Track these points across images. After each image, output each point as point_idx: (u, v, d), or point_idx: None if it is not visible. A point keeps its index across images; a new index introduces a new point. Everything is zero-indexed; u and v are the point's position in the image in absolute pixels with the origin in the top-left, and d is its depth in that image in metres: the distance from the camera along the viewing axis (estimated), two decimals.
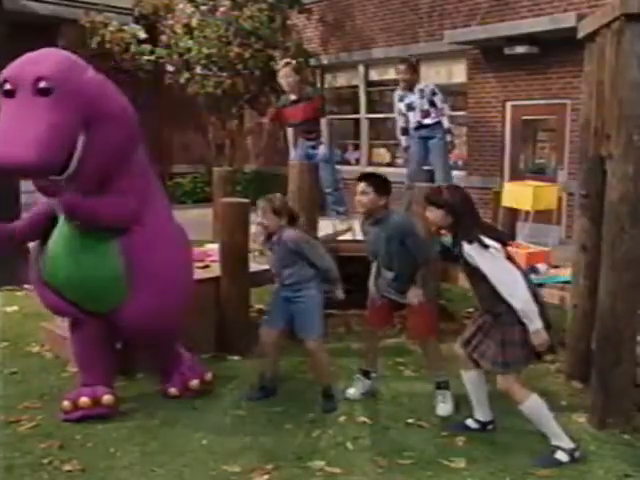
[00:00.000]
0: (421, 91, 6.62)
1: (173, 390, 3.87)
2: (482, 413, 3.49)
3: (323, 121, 6.27)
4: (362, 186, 3.64)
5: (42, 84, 2.96)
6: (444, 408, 3.72)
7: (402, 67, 6.67)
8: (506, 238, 3.27)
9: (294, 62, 6.48)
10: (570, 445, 3.17)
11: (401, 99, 6.74)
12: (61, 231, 3.49)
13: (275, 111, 6.37)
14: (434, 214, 3.24)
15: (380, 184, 3.65)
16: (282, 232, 3.73)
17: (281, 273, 3.78)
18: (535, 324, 3.07)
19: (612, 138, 3.46)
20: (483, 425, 3.49)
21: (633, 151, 3.34)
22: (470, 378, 3.44)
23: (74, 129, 3.06)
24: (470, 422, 3.52)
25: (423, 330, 3.79)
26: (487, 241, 3.10)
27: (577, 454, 3.17)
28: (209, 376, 3.98)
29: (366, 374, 3.98)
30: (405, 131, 6.83)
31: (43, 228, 3.57)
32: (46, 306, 3.70)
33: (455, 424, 3.56)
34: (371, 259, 3.89)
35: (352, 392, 3.95)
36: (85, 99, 3.09)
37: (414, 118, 6.63)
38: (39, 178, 3.23)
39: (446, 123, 6.64)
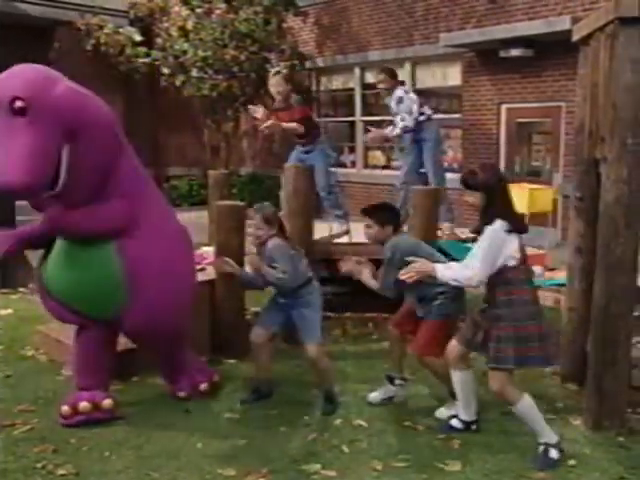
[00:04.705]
0: (398, 98, 6.52)
1: (182, 393, 3.89)
2: (468, 413, 3.50)
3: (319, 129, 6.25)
4: (366, 221, 3.69)
5: (18, 104, 2.92)
6: (444, 413, 3.68)
7: (381, 76, 6.62)
8: (523, 230, 3.22)
9: (284, 71, 6.44)
10: (555, 438, 3.20)
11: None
12: (60, 241, 3.49)
13: (270, 113, 6.30)
14: (474, 197, 3.21)
15: (382, 216, 3.67)
16: (269, 240, 3.75)
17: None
18: (442, 274, 3.14)
19: (606, 141, 3.47)
20: (467, 425, 3.50)
21: (627, 154, 3.35)
22: (461, 377, 3.44)
23: (56, 143, 3.05)
24: (455, 422, 3.52)
25: (420, 347, 3.63)
26: (502, 224, 3.11)
27: (562, 445, 3.21)
28: (217, 377, 4.06)
29: (391, 380, 3.90)
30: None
31: (49, 237, 3.53)
32: (51, 314, 3.70)
33: (440, 425, 3.57)
34: None
35: (373, 396, 3.90)
36: (62, 111, 3.05)
37: (400, 123, 6.56)
38: (30, 198, 3.24)
39: (396, 130, 6.46)
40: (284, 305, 3.80)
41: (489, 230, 3.12)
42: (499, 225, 3.12)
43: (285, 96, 6.12)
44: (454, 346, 3.41)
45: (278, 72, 6.30)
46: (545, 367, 3.24)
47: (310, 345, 3.72)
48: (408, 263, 3.30)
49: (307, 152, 6.20)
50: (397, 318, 3.86)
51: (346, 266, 3.76)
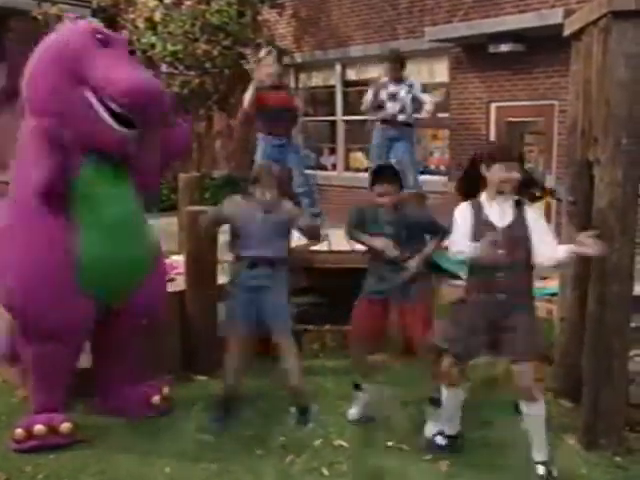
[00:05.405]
0: (410, 86, 6.78)
1: (137, 408, 3.88)
2: (452, 426, 3.51)
3: (297, 128, 6.31)
4: (385, 187, 3.63)
5: (130, 47, 3.76)
6: (432, 429, 3.63)
7: (393, 57, 6.85)
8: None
9: (275, 51, 6.50)
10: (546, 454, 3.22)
11: (385, 86, 6.85)
12: (98, 213, 3.53)
13: (256, 96, 6.23)
14: (517, 170, 3.17)
15: (398, 178, 3.72)
16: (280, 203, 3.89)
17: (265, 245, 3.78)
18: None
19: (599, 141, 3.50)
20: (453, 439, 3.50)
21: (621, 155, 3.38)
22: (458, 394, 3.44)
23: None
24: (439, 439, 3.53)
25: (421, 331, 3.62)
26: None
27: (550, 467, 3.21)
28: (167, 390, 4.04)
29: (358, 387, 3.91)
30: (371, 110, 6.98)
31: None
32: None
33: (427, 443, 3.55)
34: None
35: (352, 413, 3.90)
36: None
37: (392, 110, 6.73)
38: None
39: (428, 107, 6.82)
40: (250, 292, 3.78)
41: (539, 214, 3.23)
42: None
43: (278, 75, 6.15)
44: (450, 367, 3.35)
45: (270, 52, 6.34)
46: None
47: (281, 334, 3.79)
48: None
49: (280, 146, 6.16)
50: (365, 332, 3.77)
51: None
